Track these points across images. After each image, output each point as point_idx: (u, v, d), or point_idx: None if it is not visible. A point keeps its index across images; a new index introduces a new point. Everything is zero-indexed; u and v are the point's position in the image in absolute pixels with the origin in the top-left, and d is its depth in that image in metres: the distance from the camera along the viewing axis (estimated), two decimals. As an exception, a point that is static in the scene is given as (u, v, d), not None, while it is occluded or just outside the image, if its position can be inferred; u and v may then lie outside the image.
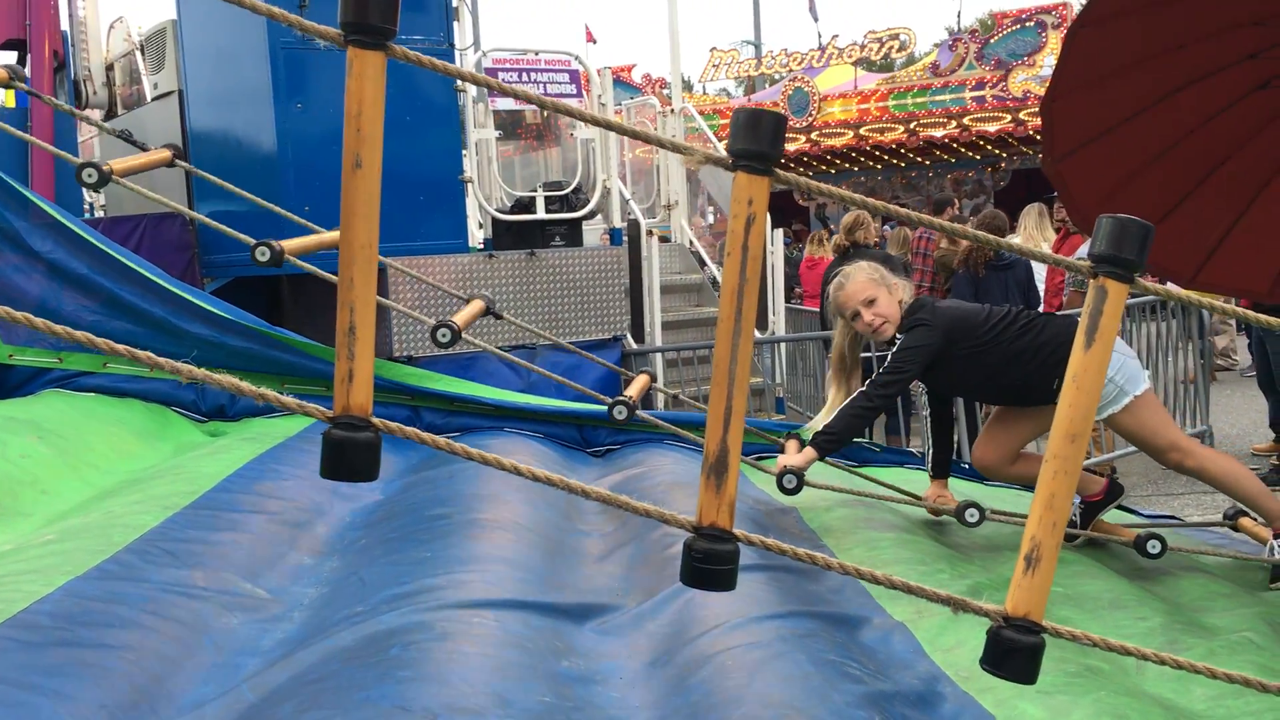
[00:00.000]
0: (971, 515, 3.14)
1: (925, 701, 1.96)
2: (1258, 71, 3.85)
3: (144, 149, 3.91)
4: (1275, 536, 3.30)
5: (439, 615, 2.01)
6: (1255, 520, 3.66)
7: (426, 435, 1.44)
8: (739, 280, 1.43)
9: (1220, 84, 3.85)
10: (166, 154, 3.88)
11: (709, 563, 1.42)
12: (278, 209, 3.84)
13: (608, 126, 1.55)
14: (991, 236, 1.54)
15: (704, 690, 1.87)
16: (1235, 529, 3.71)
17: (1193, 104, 3.90)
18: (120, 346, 1.38)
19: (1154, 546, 3.10)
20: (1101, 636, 1.46)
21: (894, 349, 3.30)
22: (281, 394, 1.42)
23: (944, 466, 3.57)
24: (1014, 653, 1.42)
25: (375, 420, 1.39)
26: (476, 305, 3.70)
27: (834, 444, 3.27)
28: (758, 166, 1.41)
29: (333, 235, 3.67)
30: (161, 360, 1.36)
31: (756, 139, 1.40)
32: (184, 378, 1.37)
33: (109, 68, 8.07)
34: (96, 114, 8.11)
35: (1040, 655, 1.42)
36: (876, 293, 3.37)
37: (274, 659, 1.95)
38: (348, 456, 1.37)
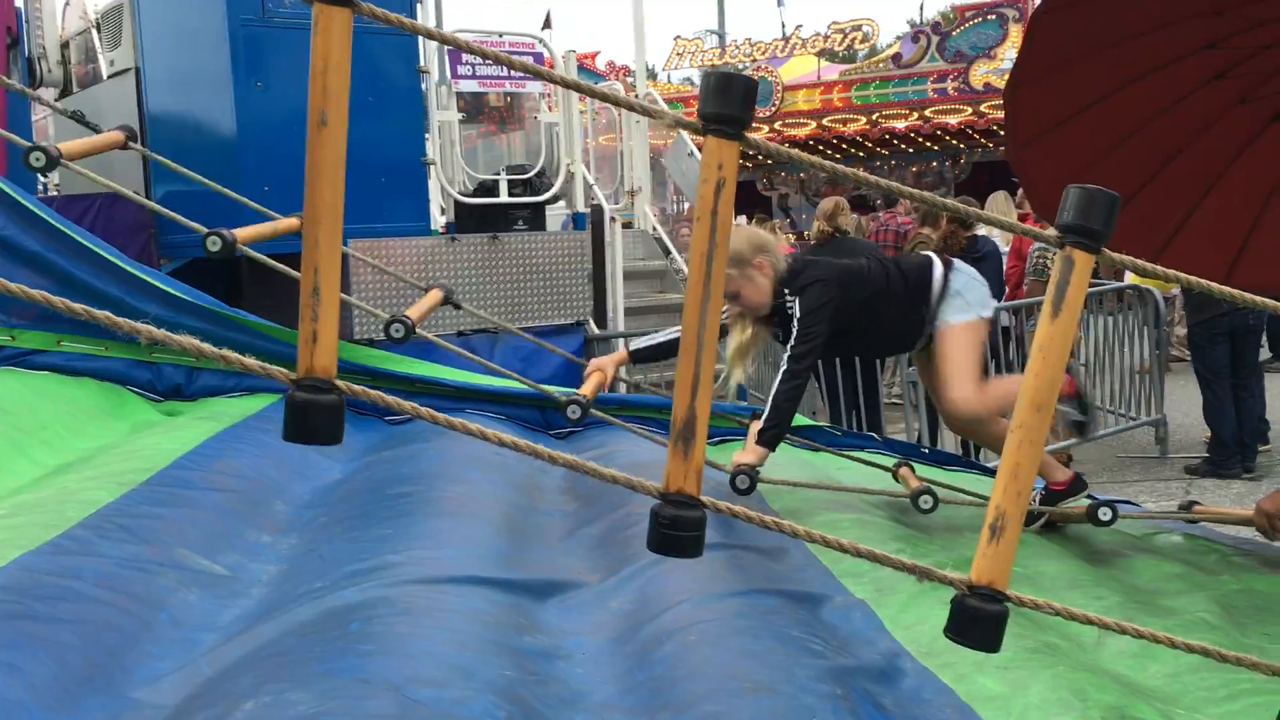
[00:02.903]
0: (925, 502, 3.16)
1: (886, 676, 1.96)
2: (1216, 61, 3.90)
3: (96, 130, 3.82)
4: (1047, 490, 3.38)
5: (400, 590, 1.99)
6: (1207, 508, 3.73)
7: (391, 398, 1.42)
8: (708, 246, 1.41)
9: (1179, 73, 3.89)
10: (119, 136, 3.78)
11: (676, 529, 1.41)
12: (233, 195, 3.76)
13: (577, 88, 1.54)
14: (968, 208, 1.54)
15: (667, 664, 1.87)
16: (1191, 521, 3.77)
17: (1152, 92, 3.94)
18: (77, 306, 1.34)
19: (1105, 514, 3.13)
20: (1064, 607, 1.46)
21: (798, 317, 3.28)
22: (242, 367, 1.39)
23: (642, 354, 3.62)
24: (978, 621, 1.42)
25: (339, 383, 1.37)
26: (434, 295, 3.68)
27: (779, 433, 3.26)
28: (728, 130, 1.39)
29: (289, 221, 3.61)
30: (121, 320, 1.33)
31: (727, 102, 1.39)
32: (143, 338, 1.33)
33: (64, 45, 7.92)
34: (51, 92, 7.97)
35: (1004, 624, 1.43)
36: (736, 287, 3.34)
37: (232, 634, 1.92)
38: (311, 419, 1.35)
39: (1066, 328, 1.42)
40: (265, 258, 3.50)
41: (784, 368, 3.28)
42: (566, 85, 1.43)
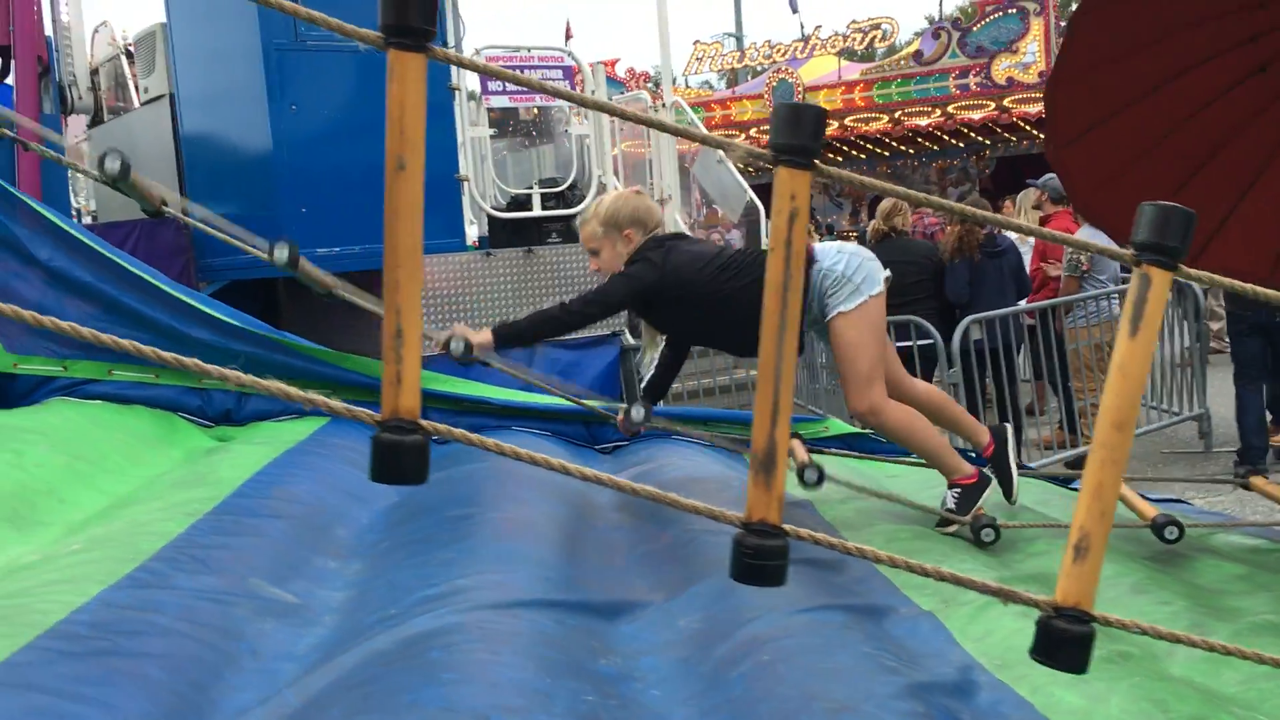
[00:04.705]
0: (987, 535, 3.08)
1: (962, 691, 1.96)
2: (1256, 55, 3.87)
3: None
4: (950, 487, 3.29)
5: (474, 616, 2.01)
6: (1267, 478, 3.73)
7: (474, 437, 1.44)
8: (783, 276, 1.43)
9: (1219, 68, 3.87)
10: (158, 200, 3.68)
11: (760, 558, 1.42)
12: (255, 249, 3.73)
13: (637, 120, 1.55)
14: (1002, 219, 1.55)
15: (745, 685, 1.87)
16: (1247, 488, 3.79)
17: (1193, 88, 3.91)
18: (126, 342, 1.35)
19: (1171, 533, 3.11)
20: (1152, 626, 1.46)
21: (612, 273, 3.38)
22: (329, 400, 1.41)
23: (653, 391, 3.74)
24: (1066, 643, 1.42)
25: (423, 423, 1.39)
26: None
27: (512, 337, 3.26)
28: (800, 161, 1.41)
29: (330, 280, 3.61)
30: (210, 367, 1.35)
31: (798, 133, 1.41)
32: (231, 382, 1.36)
33: (94, 72, 8.02)
34: (83, 119, 8.07)
35: (1091, 645, 1.43)
36: (599, 245, 3.45)
37: (311, 663, 1.94)
38: (398, 459, 1.37)
39: (1146, 346, 1.42)
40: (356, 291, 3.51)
41: (566, 301, 3.35)
42: (615, 114, 1.44)
